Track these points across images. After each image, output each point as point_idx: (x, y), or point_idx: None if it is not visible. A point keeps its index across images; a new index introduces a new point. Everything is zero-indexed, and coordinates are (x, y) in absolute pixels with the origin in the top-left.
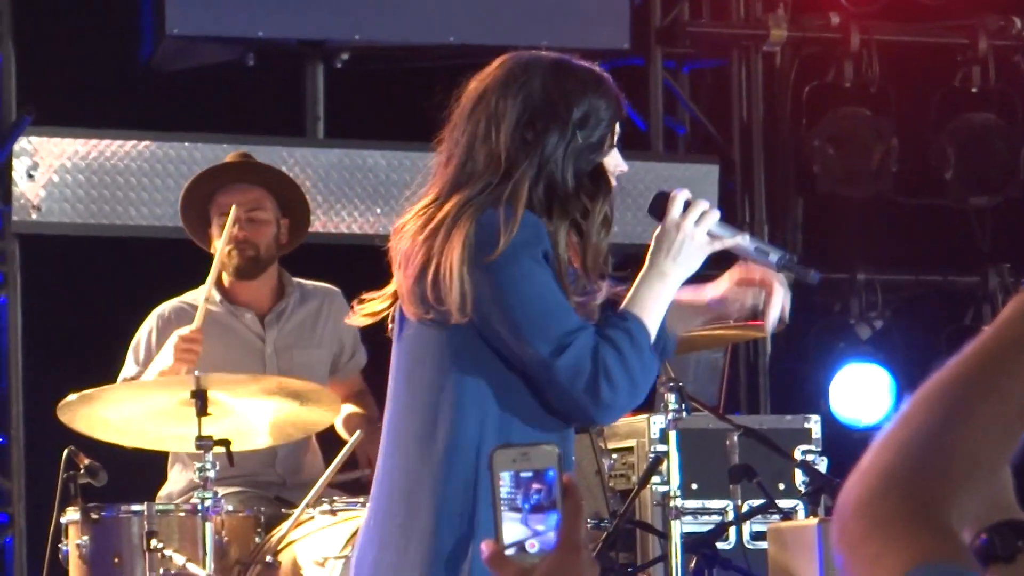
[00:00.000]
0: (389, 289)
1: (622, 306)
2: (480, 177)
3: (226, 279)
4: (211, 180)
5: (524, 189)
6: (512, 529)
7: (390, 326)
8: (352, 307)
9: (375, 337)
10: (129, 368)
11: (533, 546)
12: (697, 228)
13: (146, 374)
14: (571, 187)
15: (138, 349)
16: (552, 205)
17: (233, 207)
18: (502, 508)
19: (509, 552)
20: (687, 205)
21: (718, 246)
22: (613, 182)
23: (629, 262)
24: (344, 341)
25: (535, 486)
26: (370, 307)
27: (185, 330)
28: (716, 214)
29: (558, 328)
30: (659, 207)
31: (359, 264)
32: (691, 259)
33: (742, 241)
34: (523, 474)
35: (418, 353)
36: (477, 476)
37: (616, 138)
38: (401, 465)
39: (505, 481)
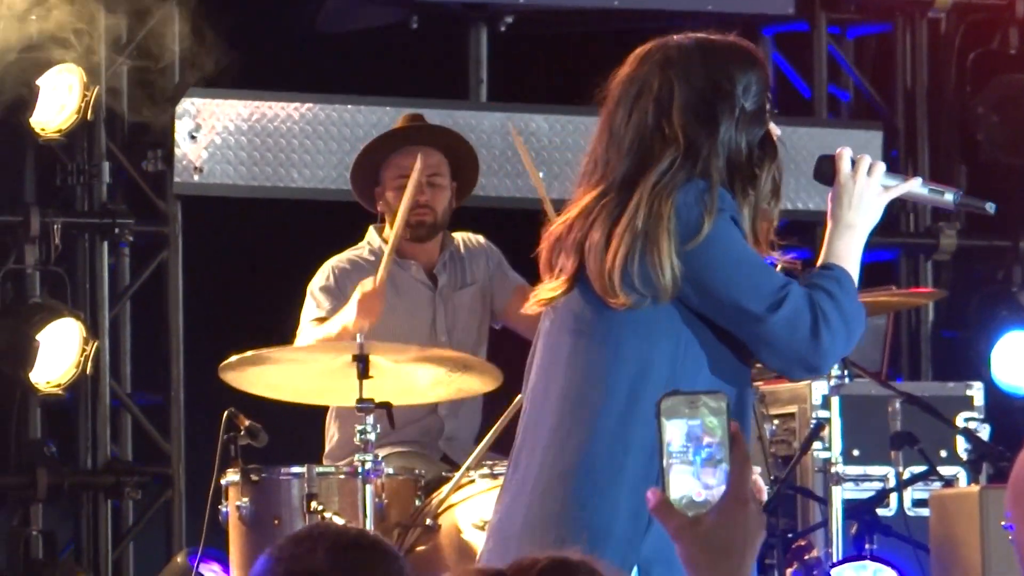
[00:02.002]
0: (559, 279)
1: (819, 261)
2: (659, 161)
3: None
4: (391, 141)
5: (713, 166)
6: (681, 481)
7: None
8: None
9: None
10: (312, 311)
11: (700, 495)
12: (870, 179)
13: (330, 323)
14: (746, 157)
15: (320, 294)
16: (734, 178)
17: (417, 169)
18: (673, 461)
19: (676, 502)
20: (853, 161)
21: (893, 193)
22: (780, 149)
23: (793, 230)
24: (492, 272)
25: (706, 439)
26: (549, 294)
27: (368, 284)
28: (883, 165)
29: (769, 285)
30: (824, 170)
31: (519, 228)
32: (872, 209)
33: (914, 186)
34: (692, 422)
35: (600, 331)
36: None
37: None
38: (577, 438)
39: (675, 433)
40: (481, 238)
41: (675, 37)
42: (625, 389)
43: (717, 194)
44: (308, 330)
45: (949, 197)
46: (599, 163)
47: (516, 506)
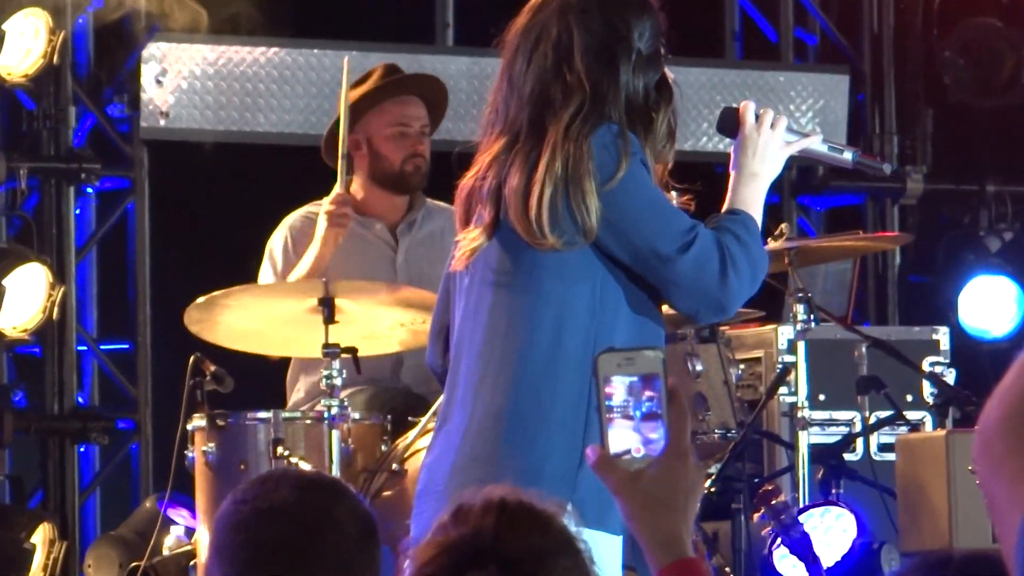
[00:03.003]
0: (477, 228)
1: (724, 207)
2: (565, 105)
3: (361, 189)
4: (386, 89)
5: (618, 109)
6: (621, 436)
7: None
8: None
9: None
10: (267, 273)
11: (639, 451)
12: (774, 132)
13: (297, 269)
14: (643, 100)
15: (274, 257)
16: (633, 121)
17: (419, 119)
18: (614, 415)
19: (616, 457)
20: (758, 115)
21: (794, 148)
22: (675, 91)
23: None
24: None
25: (646, 393)
26: (471, 245)
27: (331, 197)
28: (785, 120)
29: (678, 227)
30: (728, 121)
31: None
32: (775, 160)
33: (815, 142)
34: (632, 379)
35: (520, 278)
36: (591, 388)
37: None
38: (504, 382)
39: (616, 389)
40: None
41: None
42: (548, 331)
43: (628, 137)
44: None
45: (848, 156)
46: (500, 112)
47: (446, 455)
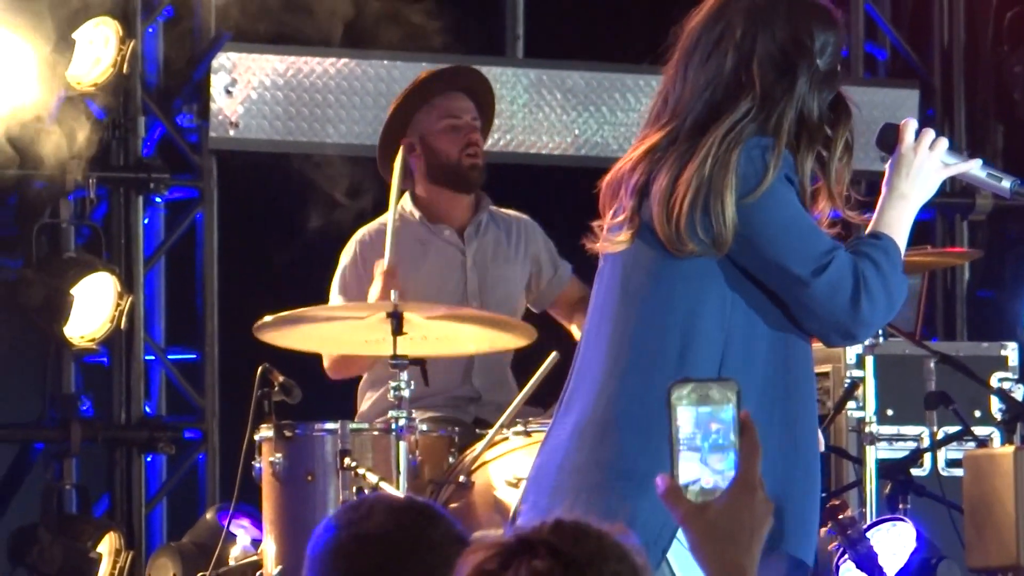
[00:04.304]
0: (620, 219)
1: (869, 229)
2: (734, 109)
3: (424, 193)
4: (432, 85)
5: (785, 122)
6: (689, 468)
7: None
8: (593, 233)
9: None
10: (334, 299)
11: (709, 482)
12: (931, 153)
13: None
14: (817, 117)
15: (344, 277)
16: (801, 136)
17: (468, 111)
18: (680, 448)
19: (685, 487)
20: (918, 133)
21: (952, 171)
22: (853, 108)
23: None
24: (541, 260)
25: (714, 426)
26: (620, 237)
27: (382, 265)
28: (946, 141)
29: (815, 248)
30: (887, 137)
31: (556, 184)
32: (928, 183)
33: (974, 167)
34: (701, 409)
35: (653, 281)
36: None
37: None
38: (628, 388)
39: (684, 419)
40: (524, 215)
41: None
42: (677, 338)
43: (781, 152)
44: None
45: (1007, 184)
46: (670, 103)
47: (557, 451)
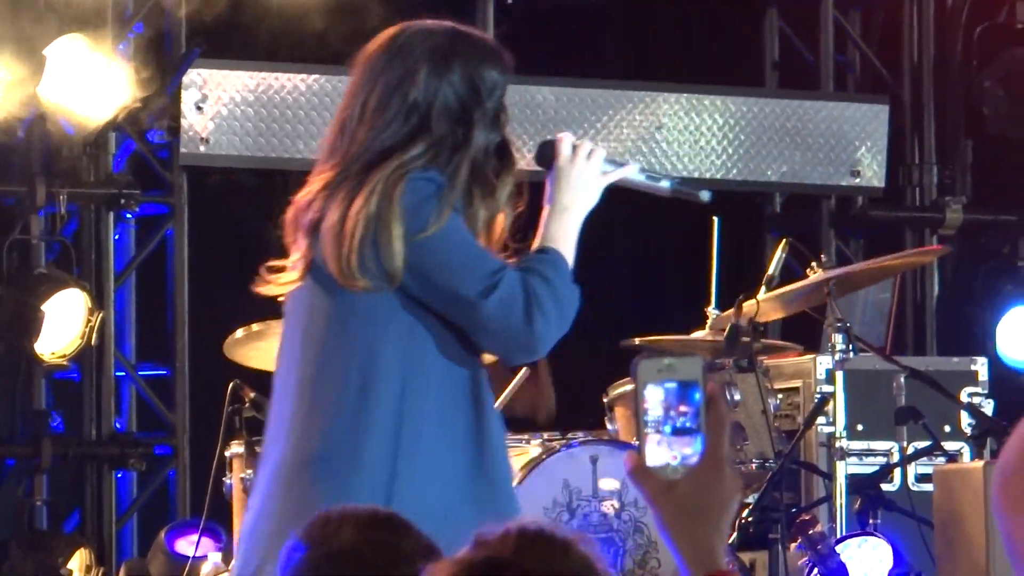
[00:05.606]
0: (296, 258)
1: (536, 244)
2: (405, 149)
3: None
4: None
5: (456, 161)
6: (657, 447)
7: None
8: (261, 277)
9: None
10: None
11: (676, 459)
12: (589, 163)
13: None
14: (483, 162)
15: None
16: (474, 183)
17: None
18: (648, 430)
19: (652, 467)
20: (574, 147)
21: (611, 179)
22: (517, 156)
23: (798, 203)
24: None
25: (681, 408)
26: (287, 277)
27: None
28: (603, 151)
29: (483, 270)
30: (546, 153)
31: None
32: (588, 193)
33: (632, 172)
34: (668, 386)
35: (330, 321)
36: (399, 430)
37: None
38: (315, 429)
39: (652, 399)
40: None
41: (432, 24)
42: (356, 376)
43: (450, 188)
44: None
45: (665, 184)
46: (345, 138)
47: (256, 497)
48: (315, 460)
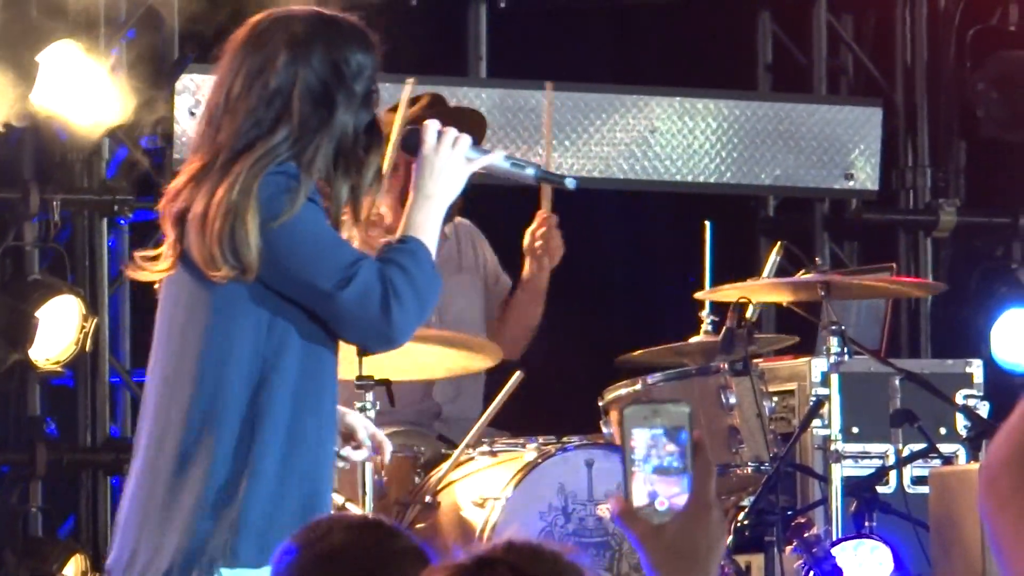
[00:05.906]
0: (167, 248)
1: (399, 233)
2: (269, 138)
3: (388, 212)
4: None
5: (320, 151)
6: (643, 490)
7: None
8: (134, 261)
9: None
10: None
11: (663, 504)
12: (453, 151)
13: None
14: (352, 142)
15: None
16: (338, 162)
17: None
18: (635, 470)
19: (639, 509)
20: (440, 134)
21: (476, 166)
22: (388, 135)
23: (792, 206)
24: (489, 265)
25: (668, 448)
26: (160, 266)
27: None
28: (468, 139)
29: (339, 262)
30: (410, 141)
31: (514, 204)
32: (453, 180)
33: (497, 159)
34: (654, 431)
35: (191, 312)
36: (254, 424)
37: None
38: (175, 423)
39: (639, 441)
40: (463, 219)
41: (295, 10)
42: (213, 366)
43: (305, 178)
44: None
45: (530, 172)
46: (212, 127)
47: (126, 494)
48: (177, 454)
